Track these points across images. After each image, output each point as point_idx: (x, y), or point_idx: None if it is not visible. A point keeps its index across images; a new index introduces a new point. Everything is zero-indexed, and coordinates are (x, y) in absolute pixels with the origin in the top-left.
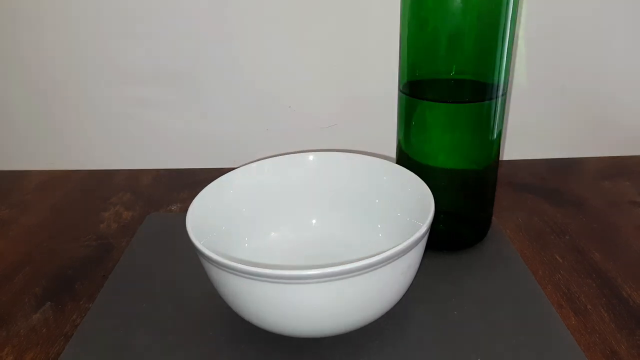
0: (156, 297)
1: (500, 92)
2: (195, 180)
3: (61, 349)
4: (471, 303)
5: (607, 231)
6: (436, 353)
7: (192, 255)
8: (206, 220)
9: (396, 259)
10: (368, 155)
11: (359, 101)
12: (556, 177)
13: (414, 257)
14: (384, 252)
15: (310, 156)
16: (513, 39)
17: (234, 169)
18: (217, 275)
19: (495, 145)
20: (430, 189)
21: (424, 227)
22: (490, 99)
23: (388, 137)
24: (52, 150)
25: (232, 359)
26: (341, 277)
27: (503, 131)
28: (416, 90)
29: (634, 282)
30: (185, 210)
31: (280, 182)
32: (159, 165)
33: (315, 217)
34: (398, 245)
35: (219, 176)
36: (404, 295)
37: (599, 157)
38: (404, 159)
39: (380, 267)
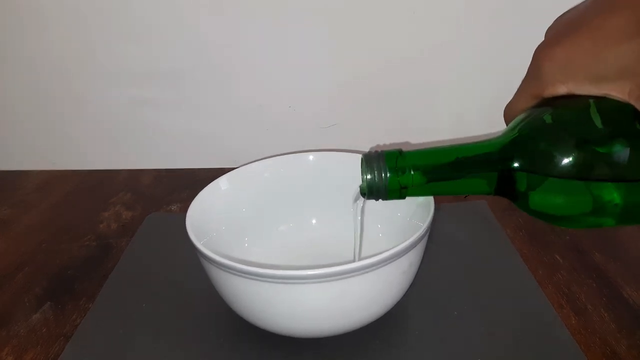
0: (156, 297)
1: None
2: (195, 180)
3: (61, 349)
4: (471, 303)
5: (607, 231)
6: (436, 353)
7: (192, 255)
8: (206, 220)
9: (397, 259)
10: None
11: (359, 101)
12: None
13: (414, 257)
14: (385, 251)
15: (310, 156)
16: None
17: (234, 169)
18: (217, 275)
19: None
20: None
21: (424, 227)
22: None
23: (388, 137)
24: (52, 150)
25: (232, 359)
26: (342, 277)
27: None
28: None
29: (634, 282)
30: (185, 210)
31: (280, 182)
32: (159, 165)
33: (315, 217)
34: (398, 245)
35: (219, 176)
36: (404, 295)
37: None
38: None
39: (381, 266)
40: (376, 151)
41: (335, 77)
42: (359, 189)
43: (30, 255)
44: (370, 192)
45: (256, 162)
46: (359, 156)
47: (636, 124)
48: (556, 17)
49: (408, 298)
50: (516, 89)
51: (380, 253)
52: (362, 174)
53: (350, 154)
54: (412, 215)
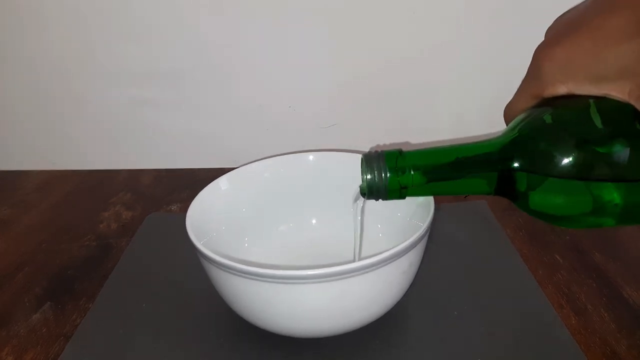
0: (156, 297)
1: None
2: (195, 180)
3: (61, 349)
4: (471, 303)
5: (607, 231)
6: (436, 353)
7: (192, 255)
8: (206, 220)
9: (397, 259)
10: None
11: (359, 101)
12: None
13: (414, 257)
14: (385, 251)
15: (310, 156)
16: None
17: (234, 169)
18: (217, 275)
19: None
20: None
21: (424, 227)
22: None
23: (388, 137)
24: (52, 150)
25: (232, 359)
26: (342, 277)
27: None
28: None
29: (634, 282)
30: (185, 210)
31: (280, 182)
32: (159, 165)
33: (315, 216)
34: (398, 245)
35: (219, 176)
36: (404, 295)
37: None
38: None
39: (381, 266)
40: (376, 151)
41: (335, 77)
42: (359, 189)
43: (30, 255)
44: (370, 192)
45: (256, 162)
46: (359, 156)
47: (636, 124)
48: (556, 17)
49: (408, 298)
50: (516, 89)
51: (380, 253)
52: (362, 174)
53: (350, 154)
54: (412, 215)
